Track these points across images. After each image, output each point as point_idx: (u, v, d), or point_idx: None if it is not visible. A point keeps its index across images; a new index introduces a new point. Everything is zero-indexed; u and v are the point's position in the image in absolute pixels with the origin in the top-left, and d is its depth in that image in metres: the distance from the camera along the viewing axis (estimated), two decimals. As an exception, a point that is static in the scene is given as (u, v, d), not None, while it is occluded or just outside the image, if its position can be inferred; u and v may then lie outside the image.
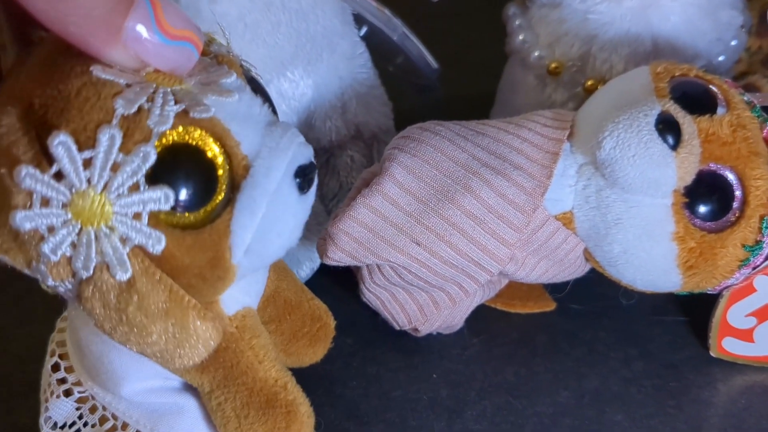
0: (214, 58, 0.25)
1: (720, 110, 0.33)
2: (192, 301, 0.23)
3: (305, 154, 0.25)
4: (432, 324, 0.35)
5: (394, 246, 0.32)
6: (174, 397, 0.28)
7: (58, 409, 0.29)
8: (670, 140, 0.30)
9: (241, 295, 0.27)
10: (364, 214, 0.31)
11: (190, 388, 0.28)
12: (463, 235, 0.32)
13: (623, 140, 0.30)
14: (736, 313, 0.34)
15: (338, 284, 0.38)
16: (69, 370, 0.29)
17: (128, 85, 0.22)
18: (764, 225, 0.32)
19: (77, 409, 0.28)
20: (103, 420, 0.28)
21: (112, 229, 0.22)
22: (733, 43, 0.39)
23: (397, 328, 0.36)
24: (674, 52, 0.38)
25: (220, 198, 0.23)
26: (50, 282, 0.23)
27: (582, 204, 0.33)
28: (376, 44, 0.41)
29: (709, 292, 0.34)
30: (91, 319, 0.23)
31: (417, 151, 0.32)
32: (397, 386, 0.35)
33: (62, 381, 0.29)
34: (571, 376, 0.35)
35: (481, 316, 0.37)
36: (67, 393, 0.29)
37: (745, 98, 0.34)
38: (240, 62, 0.25)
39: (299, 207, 0.25)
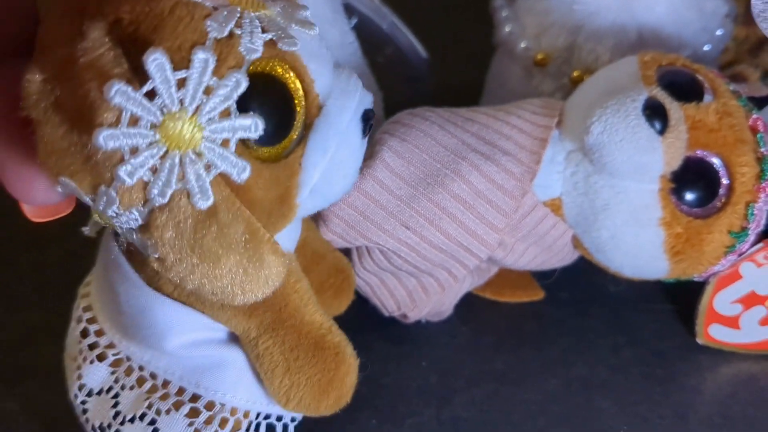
0: None
1: (707, 98, 0.33)
2: (266, 234, 0.23)
3: (368, 99, 0.26)
4: (421, 310, 0.35)
5: (384, 229, 0.32)
6: (218, 350, 0.27)
7: (92, 375, 0.28)
8: (657, 125, 0.31)
9: (285, 240, 0.27)
10: (354, 197, 0.31)
11: (233, 340, 0.27)
12: (452, 219, 0.32)
13: (611, 125, 0.30)
14: (722, 300, 0.35)
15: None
16: (99, 333, 0.28)
17: (215, 8, 0.22)
18: (750, 212, 0.32)
19: (112, 373, 0.28)
20: (141, 381, 0.27)
21: (199, 154, 0.21)
22: (719, 32, 0.40)
23: (387, 314, 0.36)
24: (659, 42, 0.38)
25: (295, 134, 0.24)
26: (112, 210, 0.22)
27: (570, 190, 0.33)
28: (366, 35, 0.41)
29: (695, 280, 0.34)
30: (154, 250, 0.22)
31: (407, 136, 0.32)
32: (386, 374, 0.35)
33: (93, 346, 0.28)
34: (560, 363, 0.35)
35: (470, 304, 0.37)
36: (101, 357, 0.28)
37: (732, 88, 0.34)
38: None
39: (360, 151, 0.26)
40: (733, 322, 0.35)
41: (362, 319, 0.37)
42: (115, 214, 0.22)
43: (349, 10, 0.40)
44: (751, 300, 0.35)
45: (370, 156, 0.32)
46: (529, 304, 0.38)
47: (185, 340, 0.26)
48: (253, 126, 0.21)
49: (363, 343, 0.36)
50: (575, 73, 0.39)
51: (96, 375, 0.28)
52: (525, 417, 0.33)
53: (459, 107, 0.35)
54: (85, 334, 0.28)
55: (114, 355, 0.28)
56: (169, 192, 0.21)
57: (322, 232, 0.32)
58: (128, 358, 0.27)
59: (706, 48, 0.39)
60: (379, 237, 0.32)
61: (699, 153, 0.32)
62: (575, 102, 0.34)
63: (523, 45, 0.40)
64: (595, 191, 0.32)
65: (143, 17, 0.21)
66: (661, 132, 0.31)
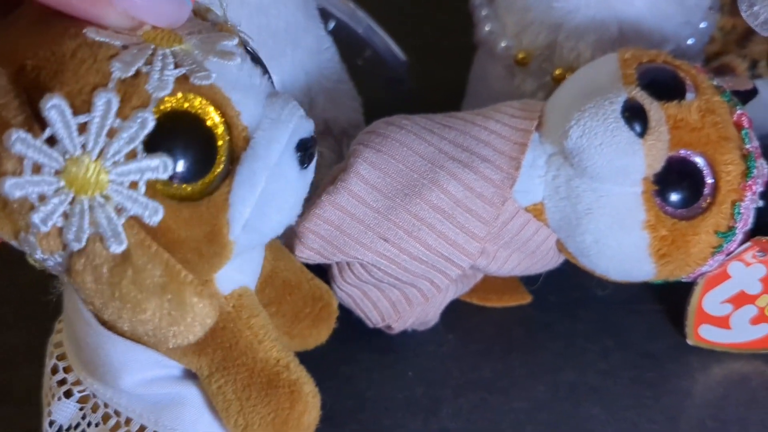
0: (213, 24, 0.24)
1: (689, 96, 0.32)
2: (189, 276, 0.22)
3: (306, 127, 0.24)
4: (405, 321, 0.35)
5: (362, 243, 0.31)
6: (176, 387, 0.27)
7: (61, 411, 0.28)
8: (637, 128, 0.30)
9: (236, 273, 0.26)
10: (330, 212, 0.31)
11: (191, 377, 0.27)
12: (432, 230, 0.31)
13: (589, 129, 0.30)
14: (711, 301, 0.34)
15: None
16: (67, 369, 0.28)
17: (125, 47, 0.21)
18: (736, 210, 0.32)
19: (80, 409, 0.28)
20: (106, 417, 0.27)
21: (107, 198, 0.21)
22: (702, 25, 0.39)
23: (371, 325, 0.35)
24: (641, 37, 0.37)
25: (219, 169, 0.23)
26: (39, 255, 0.22)
27: (552, 194, 0.32)
28: (345, 38, 0.41)
29: (684, 280, 0.34)
30: (80, 295, 0.22)
31: (382, 146, 0.31)
32: (371, 386, 0.34)
33: (62, 382, 0.28)
34: (548, 369, 0.35)
35: (457, 311, 0.37)
36: (68, 394, 0.28)
37: (715, 83, 0.33)
38: (238, 32, 0.24)
39: (300, 182, 0.24)
40: (723, 322, 0.35)
41: (347, 330, 0.36)
42: (41, 259, 0.22)
43: (326, 15, 0.39)
44: (740, 299, 0.34)
45: (344, 168, 0.31)
46: (516, 308, 0.37)
47: (141, 377, 0.26)
48: (161, 166, 0.21)
49: (348, 354, 0.35)
50: (557, 71, 0.38)
51: (65, 411, 0.27)
52: (513, 426, 0.32)
53: (445, 105, 0.34)
54: (54, 370, 0.28)
55: (80, 392, 0.27)
56: (84, 236, 0.21)
57: (298, 249, 0.31)
58: (94, 395, 0.27)
59: (689, 42, 0.38)
60: (357, 251, 0.31)
61: (682, 153, 0.31)
62: (555, 103, 0.33)
63: (503, 44, 0.39)
64: (577, 195, 0.31)
65: (45, 62, 0.21)
66: (642, 134, 0.30)
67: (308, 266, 0.33)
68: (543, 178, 0.32)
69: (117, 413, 0.27)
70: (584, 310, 0.37)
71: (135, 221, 0.21)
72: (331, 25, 0.40)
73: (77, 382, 0.27)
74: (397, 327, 0.35)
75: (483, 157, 0.32)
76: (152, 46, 0.22)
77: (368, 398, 0.34)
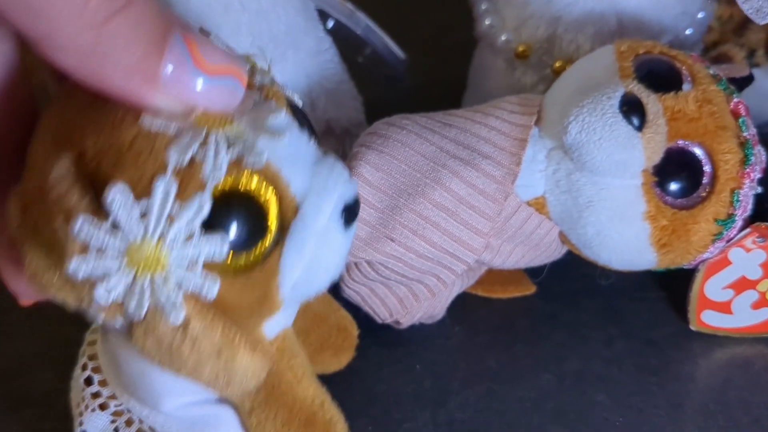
0: (259, 90, 0.24)
1: (686, 86, 0.33)
2: (243, 338, 0.23)
3: (351, 191, 0.25)
4: (413, 316, 0.35)
5: (369, 244, 0.32)
6: (213, 408, 0.28)
7: (93, 423, 0.29)
8: (635, 121, 0.30)
9: (282, 319, 0.27)
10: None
11: (228, 401, 0.28)
12: (437, 228, 0.32)
13: (588, 124, 0.30)
14: (713, 287, 0.35)
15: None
16: (103, 383, 0.29)
17: (179, 133, 0.22)
18: (735, 198, 0.32)
19: (112, 422, 0.29)
20: None
21: (167, 277, 0.22)
22: (700, 15, 0.39)
23: (379, 321, 0.36)
24: (640, 28, 0.37)
25: (270, 239, 0.24)
26: (101, 319, 0.23)
27: (553, 188, 0.33)
28: (344, 36, 0.41)
29: (685, 267, 0.34)
30: (141, 354, 0.24)
31: (384, 147, 0.32)
32: (380, 380, 0.35)
33: (96, 395, 0.29)
34: (553, 359, 0.35)
35: (463, 303, 0.37)
36: (103, 407, 0.29)
37: (711, 71, 0.34)
38: (284, 92, 0.25)
39: (345, 241, 0.25)
40: (725, 308, 0.35)
41: (358, 324, 0.37)
42: (104, 322, 0.24)
43: (325, 14, 0.40)
44: (742, 285, 0.34)
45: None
46: (521, 299, 0.38)
47: (182, 402, 0.27)
48: (218, 246, 0.22)
49: (358, 349, 0.36)
50: (557, 64, 0.39)
51: (97, 423, 0.28)
52: (520, 415, 0.33)
53: (446, 101, 0.35)
54: (89, 382, 0.29)
55: (116, 405, 0.28)
56: (144, 310, 0.22)
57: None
58: (129, 410, 0.28)
59: (687, 32, 0.38)
60: (364, 252, 0.32)
61: (680, 143, 0.32)
62: (553, 97, 0.33)
63: (503, 38, 0.40)
64: (577, 189, 0.32)
65: (105, 151, 0.22)
66: (640, 128, 0.30)
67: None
68: (543, 172, 0.33)
69: (152, 429, 0.28)
70: (588, 299, 0.38)
71: (193, 294, 0.23)
72: (330, 23, 0.41)
73: (113, 396, 0.28)
74: (405, 322, 0.36)
75: (484, 154, 0.32)
76: (205, 129, 0.22)
77: (378, 392, 0.34)
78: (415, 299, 0.35)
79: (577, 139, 0.30)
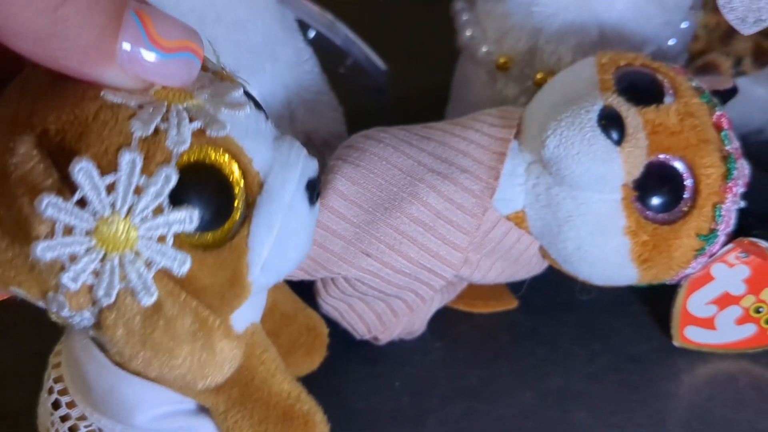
0: (214, 73, 0.25)
1: (668, 99, 0.32)
2: (217, 320, 0.23)
3: (312, 166, 0.25)
4: (391, 332, 0.35)
5: (345, 259, 0.31)
6: (189, 420, 0.27)
7: None
8: (614, 135, 0.30)
9: (250, 312, 0.27)
10: (310, 229, 0.31)
11: (203, 409, 0.28)
12: (413, 243, 0.31)
13: (566, 138, 0.30)
14: (696, 302, 0.34)
15: (298, 295, 0.37)
16: (70, 405, 0.28)
17: (140, 106, 0.22)
18: (717, 213, 0.32)
19: None
20: None
21: (137, 254, 0.22)
22: (684, 25, 0.39)
23: (358, 337, 0.35)
24: (622, 39, 0.37)
25: (237, 215, 0.23)
26: (66, 312, 0.23)
27: (533, 202, 0.32)
28: (326, 46, 0.41)
29: (668, 283, 0.34)
30: (109, 347, 0.23)
31: (360, 161, 0.32)
32: (359, 397, 0.34)
33: (65, 418, 0.28)
34: (534, 375, 0.35)
35: (444, 318, 0.37)
36: (73, 429, 0.28)
37: (694, 84, 0.33)
38: (236, 78, 0.25)
39: (310, 219, 0.25)
40: (708, 323, 0.35)
41: (336, 342, 0.36)
42: (68, 316, 0.23)
43: (306, 25, 0.39)
44: (725, 300, 0.34)
45: (323, 185, 0.31)
46: (503, 313, 0.38)
47: (155, 414, 0.26)
48: (187, 219, 0.22)
49: (337, 366, 0.35)
50: (539, 75, 0.38)
51: None
52: (500, 434, 0.33)
53: (428, 111, 0.34)
54: (57, 405, 0.28)
55: (86, 427, 0.28)
56: (114, 292, 0.22)
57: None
58: (100, 430, 0.27)
59: (671, 42, 0.38)
60: (340, 267, 0.31)
61: (661, 157, 0.31)
62: (533, 111, 0.33)
63: (484, 49, 0.39)
64: (557, 203, 0.31)
65: (68, 125, 0.22)
66: (619, 142, 0.30)
67: (292, 283, 0.33)
68: (523, 186, 0.32)
69: None
70: (570, 313, 0.37)
71: (164, 273, 0.22)
72: (312, 33, 0.40)
73: (82, 417, 0.28)
74: (384, 338, 0.35)
75: (462, 168, 0.32)
76: (165, 103, 0.22)
77: (356, 410, 0.34)
78: (393, 315, 0.34)
79: (556, 153, 0.30)
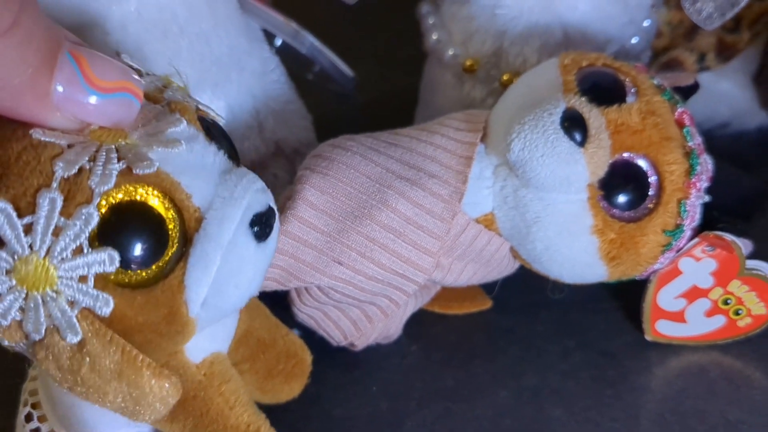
0: (167, 105, 0.24)
1: (630, 98, 0.33)
2: (146, 360, 0.23)
3: (262, 200, 0.24)
4: (367, 338, 0.35)
5: (317, 268, 0.32)
6: None
7: None
8: (577, 137, 0.30)
9: (207, 342, 0.27)
10: (282, 240, 0.31)
11: None
12: (385, 249, 0.32)
13: (530, 141, 0.30)
14: (665, 296, 0.35)
15: (273, 304, 0.37)
16: (42, 419, 0.29)
17: (70, 146, 0.22)
18: (682, 208, 0.32)
19: None
20: None
21: (58, 293, 0.22)
22: (646, 23, 0.39)
23: (334, 344, 0.36)
24: (585, 39, 0.37)
25: (171, 252, 0.23)
26: (6, 343, 0.23)
27: (501, 204, 0.32)
28: (294, 53, 0.41)
29: (637, 279, 0.34)
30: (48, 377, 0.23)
31: (329, 170, 0.32)
32: (337, 404, 0.35)
33: (36, 431, 0.29)
34: (510, 374, 0.35)
35: (419, 321, 0.37)
36: None
37: (656, 82, 0.34)
38: (196, 106, 0.25)
39: (258, 256, 0.24)
40: (678, 317, 0.35)
41: (314, 349, 0.36)
42: (10, 346, 0.23)
43: (272, 34, 0.39)
44: (694, 294, 0.35)
45: (292, 196, 0.32)
46: (477, 314, 0.38)
47: None
48: (107, 259, 0.22)
49: (315, 373, 0.36)
50: (505, 77, 0.38)
51: None
52: (477, 434, 0.33)
53: (399, 113, 0.34)
54: (29, 418, 0.29)
55: None
56: (42, 328, 0.22)
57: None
58: None
59: (633, 41, 0.39)
60: (313, 277, 0.31)
61: (625, 156, 0.32)
62: (498, 114, 0.33)
63: (450, 52, 0.40)
64: (524, 205, 0.32)
65: None
66: (582, 143, 0.30)
67: (266, 293, 0.33)
68: (491, 188, 0.33)
69: None
70: (544, 311, 0.38)
71: (89, 312, 0.22)
72: (278, 42, 0.40)
73: None
74: (360, 344, 0.35)
75: (430, 173, 0.32)
76: (96, 144, 0.22)
77: (335, 417, 0.34)
78: (368, 321, 0.34)
79: (520, 156, 0.30)
